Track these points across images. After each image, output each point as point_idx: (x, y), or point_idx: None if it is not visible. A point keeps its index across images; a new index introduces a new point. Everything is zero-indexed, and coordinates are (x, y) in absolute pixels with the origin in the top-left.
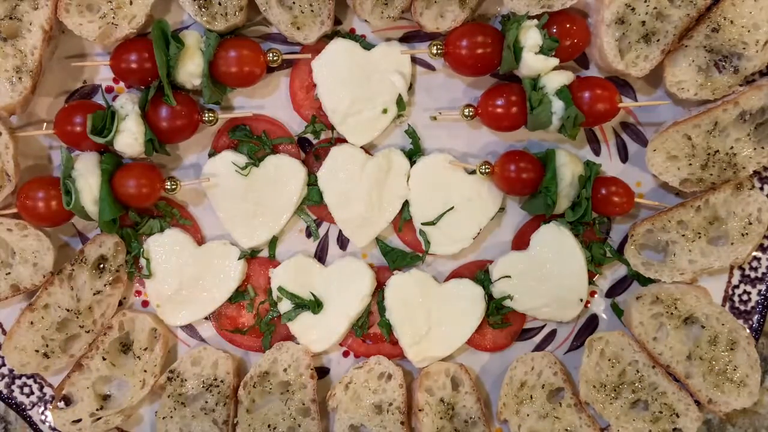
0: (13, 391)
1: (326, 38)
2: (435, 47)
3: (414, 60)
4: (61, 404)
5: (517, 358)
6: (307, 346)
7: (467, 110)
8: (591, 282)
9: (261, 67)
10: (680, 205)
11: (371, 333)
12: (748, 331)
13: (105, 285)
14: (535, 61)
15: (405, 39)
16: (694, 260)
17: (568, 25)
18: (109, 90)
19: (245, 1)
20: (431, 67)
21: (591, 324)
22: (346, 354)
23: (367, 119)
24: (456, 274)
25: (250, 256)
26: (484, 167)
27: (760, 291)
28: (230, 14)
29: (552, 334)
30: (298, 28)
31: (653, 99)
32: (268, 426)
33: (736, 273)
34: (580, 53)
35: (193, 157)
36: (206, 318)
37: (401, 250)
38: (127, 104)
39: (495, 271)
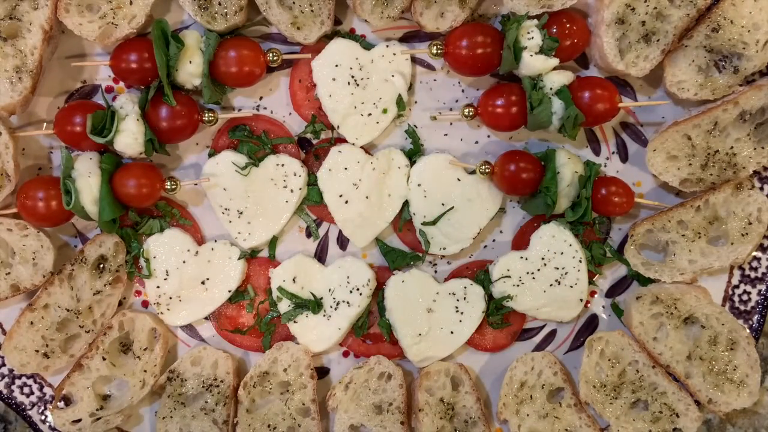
0: (13, 391)
1: (326, 38)
2: (435, 47)
3: (414, 60)
4: (61, 404)
5: (517, 358)
6: (307, 346)
7: (467, 110)
8: (591, 282)
9: (261, 67)
10: (680, 205)
11: (371, 333)
12: (748, 331)
13: (105, 285)
14: (535, 61)
15: (405, 39)
16: (694, 260)
17: (568, 25)
18: (109, 90)
19: (245, 1)
20: (431, 67)
21: (591, 324)
22: (346, 354)
23: (367, 119)
24: (456, 274)
25: (250, 256)
26: (484, 167)
27: (760, 291)
28: (230, 14)
29: (552, 334)
30: (298, 28)
31: (653, 99)
32: (268, 426)
33: (736, 273)
34: (580, 53)
35: (193, 157)
36: (206, 318)
37: (401, 250)
38: (127, 104)
39: (495, 271)
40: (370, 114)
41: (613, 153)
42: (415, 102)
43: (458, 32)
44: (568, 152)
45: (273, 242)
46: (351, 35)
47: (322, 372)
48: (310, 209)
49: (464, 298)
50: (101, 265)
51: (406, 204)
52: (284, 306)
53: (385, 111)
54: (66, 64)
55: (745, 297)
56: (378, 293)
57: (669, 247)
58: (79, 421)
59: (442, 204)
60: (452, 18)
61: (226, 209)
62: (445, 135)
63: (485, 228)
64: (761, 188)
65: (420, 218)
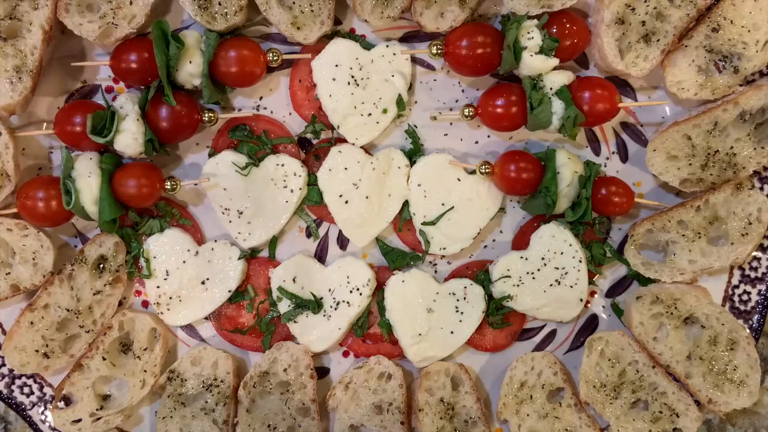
0: (13, 391)
1: (326, 38)
2: (435, 47)
3: (414, 60)
4: (61, 404)
5: (517, 358)
6: (307, 346)
7: (467, 110)
8: (591, 282)
9: (261, 67)
10: (680, 205)
11: (371, 333)
12: (748, 331)
13: (105, 285)
14: (535, 61)
15: (405, 39)
16: (694, 260)
17: (568, 25)
18: (109, 90)
19: (245, 1)
20: (431, 67)
21: (591, 324)
22: (346, 354)
23: (367, 119)
24: (456, 274)
25: (250, 256)
26: (484, 167)
27: (760, 291)
28: (230, 14)
29: (552, 334)
30: (298, 28)
31: (653, 99)
32: (268, 426)
33: (736, 273)
34: (580, 53)
35: (193, 157)
36: (206, 318)
37: (401, 250)
38: (127, 104)
39: (495, 271)
40: (370, 114)
41: (613, 153)
42: (415, 102)
43: (458, 32)
44: (568, 152)
45: (273, 242)
46: (351, 35)
47: (322, 372)
48: (310, 209)
49: (464, 298)
50: (101, 265)
51: (406, 204)
52: (284, 306)
53: (385, 111)
54: (66, 64)
55: (745, 297)
56: (378, 293)
57: (669, 247)
58: (79, 421)
59: (442, 204)
60: (452, 18)
61: (226, 209)
62: (445, 135)
63: (485, 228)
64: (761, 188)
65: (420, 218)
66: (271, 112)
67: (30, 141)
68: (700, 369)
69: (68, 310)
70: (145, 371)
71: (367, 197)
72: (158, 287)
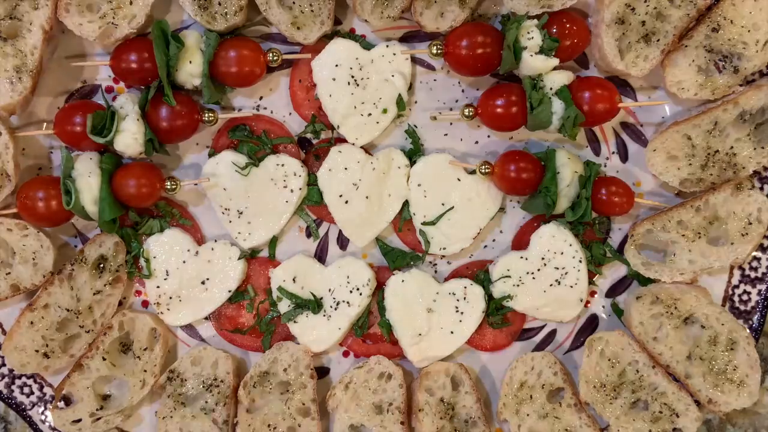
0: (13, 391)
1: (326, 38)
2: (435, 47)
3: (414, 60)
4: (61, 404)
5: (517, 358)
6: (307, 346)
7: (467, 110)
8: (591, 282)
9: (261, 67)
10: (680, 205)
11: (371, 333)
12: (748, 331)
13: (105, 285)
14: (535, 61)
15: (405, 39)
16: (694, 260)
17: (568, 25)
18: (109, 90)
19: (245, 1)
20: (431, 67)
21: (591, 324)
22: (346, 354)
23: (367, 119)
24: (456, 274)
25: (250, 256)
26: (484, 167)
27: (760, 291)
28: (230, 14)
29: (552, 334)
30: (298, 28)
31: (653, 99)
32: (268, 426)
33: (736, 273)
34: (580, 53)
35: (193, 157)
36: (206, 318)
37: (401, 250)
38: (127, 104)
39: (495, 271)
40: (370, 114)
41: (613, 153)
42: (415, 102)
43: (458, 32)
44: (568, 152)
45: (273, 242)
46: (351, 35)
47: (322, 372)
48: (310, 209)
49: (464, 298)
50: (101, 265)
51: (406, 204)
52: (284, 306)
53: (385, 111)
54: (66, 64)
55: (745, 297)
56: (378, 293)
57: (669, 247)
58: (79, 421)
59: (442, 204)
60: (452, 18)
61: (226, 209)
62: (445, 135)
63: (485, 228)
64: (761, 188)
65: (420, 218)
66: (271, 112)
67: (30, 141)
68: (700, 369)
69: (68, 310)
70: (145, 371)
71: (367, 197)
72: (158, 287)
